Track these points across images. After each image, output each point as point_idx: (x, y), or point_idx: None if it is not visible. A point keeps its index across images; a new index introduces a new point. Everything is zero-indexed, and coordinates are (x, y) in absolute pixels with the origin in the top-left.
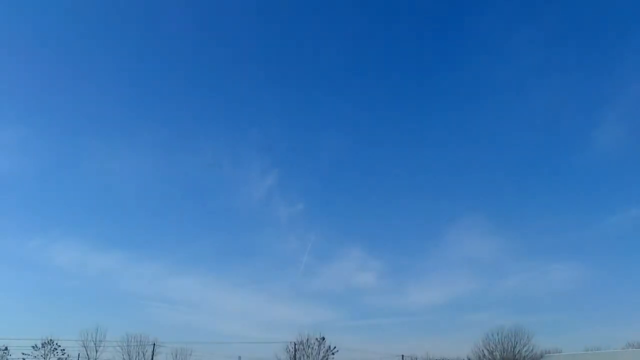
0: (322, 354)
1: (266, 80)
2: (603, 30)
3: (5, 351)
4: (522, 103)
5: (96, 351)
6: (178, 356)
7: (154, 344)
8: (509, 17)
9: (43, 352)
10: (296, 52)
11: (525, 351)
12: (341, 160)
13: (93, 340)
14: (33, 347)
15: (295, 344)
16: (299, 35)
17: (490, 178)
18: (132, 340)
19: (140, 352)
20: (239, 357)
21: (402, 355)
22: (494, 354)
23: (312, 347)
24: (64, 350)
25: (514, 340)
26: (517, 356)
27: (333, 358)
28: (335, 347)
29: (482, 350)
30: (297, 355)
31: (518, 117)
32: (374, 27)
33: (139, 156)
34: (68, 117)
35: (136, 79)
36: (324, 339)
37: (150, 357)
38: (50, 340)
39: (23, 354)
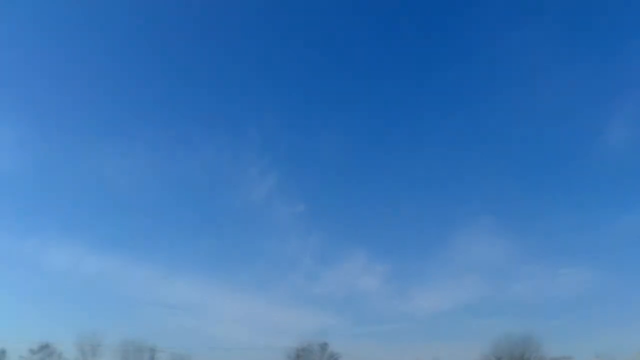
0: None
1: (265, 80)
2: (613, 23)
3: (2, 354)
4: (530, 101)
5: (93, 355)
6: None
7: (152, 349)
8: (514, 11)
9: (40, 356)
10: (296, 53)
11: (535, 358)
12: (343, 162)
13: (90, 344)
14: (30, 350)
15: (297, 350)
16: (298, 37)
17: (498, 180)
18: (130, 344)
19: (138, 357)
20: None
21: None
22: None
23: (315, 354)
24: (60, 354)
25: (523, 347)
26: None
27: None
28: (338, 354)
29: (491, 358)
30: None
31: (526, 115)
32: (374, 27)
33: (136, 156)
34: (65, 116)
35: (134, 78)
36: (326, 344)
37: None
38: (47, 344)
39: (20, 357)
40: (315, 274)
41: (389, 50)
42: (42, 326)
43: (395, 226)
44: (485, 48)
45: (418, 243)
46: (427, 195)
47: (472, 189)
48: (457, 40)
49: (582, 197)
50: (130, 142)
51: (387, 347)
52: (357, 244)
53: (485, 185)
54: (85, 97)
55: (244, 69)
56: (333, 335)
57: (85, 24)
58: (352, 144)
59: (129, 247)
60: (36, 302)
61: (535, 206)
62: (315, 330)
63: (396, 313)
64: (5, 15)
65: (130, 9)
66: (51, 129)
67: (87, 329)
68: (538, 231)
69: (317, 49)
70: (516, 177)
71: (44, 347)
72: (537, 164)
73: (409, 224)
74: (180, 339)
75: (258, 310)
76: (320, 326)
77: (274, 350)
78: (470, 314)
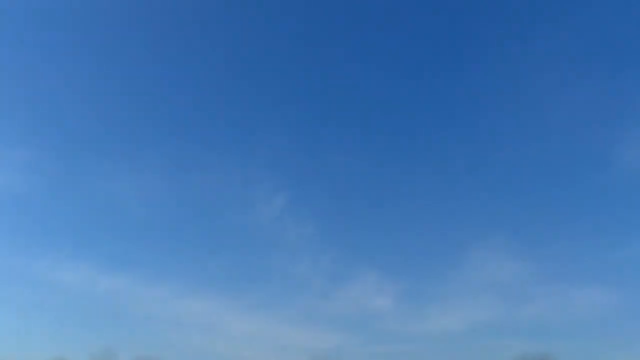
0: None
1: (275, 100)
2: (626, 42)
3: None
4: (542, 118)
5: None
6: None
7: None
8: (524, 23)
9: None
10: (307, 73)
11: None
12: (354, 181)
13: None
14: None
15: None
16: (308, 58)
17: (511, 199)
18: None
19: None
20: None
21: None
22: None
23: None
24: None
25: None
26: None
27: None
28: None
29: None
30: None
31: (538, 133)
32: (384, 49)
33: (147, 175)
34: (77, 138)
35: (143, 96)
36: None
37: None
38: None
39: None
40: (326, 294)
41: (398, 69)
42: (55, 344)
43: (407, 245)
44: (495, 64)
45: (430, 262)
46: (439, 214)
47: (484, 208)
48: (466, 57)
49: (597, 217)
50: (140, 160)
51: None
52: (368, 263)
53: (498, 204)
54: (97, 119)
55: (254, 89)
56: (345, 355)
57: (91, 44)
58: (362, 164)
59: (141, 267)
60: (49, 320)
61: (549, 226)
62: (327, 350)
63: (409, 333)
64: (6, 39)
65: (139, 22)
66: (62, 150)
67: (100, 347)
68: (553, 251)
69: (329, 69)
70: (529, 197)
71: None
72: (550, 183)
73: (421, 243)
74: (192, 357)
75: (269, 329)
76: (332, 346)
77: None
78: (484, 335)
